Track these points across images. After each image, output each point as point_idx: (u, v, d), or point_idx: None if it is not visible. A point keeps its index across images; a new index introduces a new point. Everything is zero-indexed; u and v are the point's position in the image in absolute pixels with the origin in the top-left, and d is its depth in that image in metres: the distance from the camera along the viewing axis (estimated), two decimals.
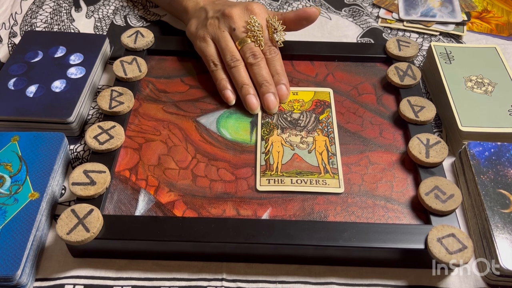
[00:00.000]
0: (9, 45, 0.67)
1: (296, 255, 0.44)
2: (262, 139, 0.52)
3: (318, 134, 0.52)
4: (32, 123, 0.53)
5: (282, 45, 0.57)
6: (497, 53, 0.60)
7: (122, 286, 0.43)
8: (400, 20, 0.72)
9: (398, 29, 0.71)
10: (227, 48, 0.56)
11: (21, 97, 0.54)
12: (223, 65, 0.56)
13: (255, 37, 0.55)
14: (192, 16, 0.61)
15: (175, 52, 0.61)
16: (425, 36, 0.70)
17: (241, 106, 0.55)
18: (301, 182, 0.48)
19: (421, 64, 0.66)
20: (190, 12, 0.62)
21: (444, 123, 0.57)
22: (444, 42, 0.69)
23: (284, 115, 0.54)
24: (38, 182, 0.46)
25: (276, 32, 0.56)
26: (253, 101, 0.54)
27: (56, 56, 0.60)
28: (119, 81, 0.56)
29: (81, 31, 0.69)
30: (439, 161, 0.48)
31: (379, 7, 0.74)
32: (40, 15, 0.72)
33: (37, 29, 0.69)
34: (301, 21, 0.57)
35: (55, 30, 0.69)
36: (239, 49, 0.56)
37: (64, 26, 0.70)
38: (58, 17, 0.72)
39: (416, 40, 0.69)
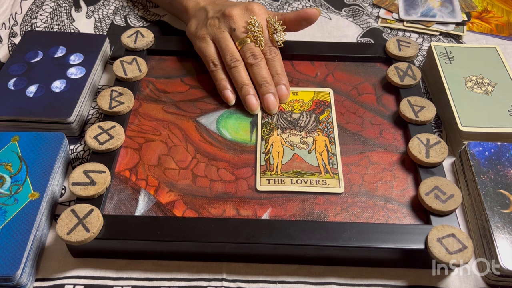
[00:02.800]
0: (9, 45, 0.67)
1: (296, 255, 0.44)
2: (262, 139, 0.52)
3: (318, 134, 0.52)
4: (32, 123, 0.53)
5: (282, 45, 0.57)
6: (497, 53, 0.60)
7: (122, 286, 0.43)
8: (400, 20, 0.72)
9: (398, 29, 0.71)
10: (227, 49, 0.55)
11: (21, 97, 0.54)
12: (223, 65, 0.56)
13: (255, 37, 0.55)
14: (192, 16, 0.61)
15: (175, 52, 0.61)
16: (425, 36, 0.70)
17: (241, 106, 0.55)
18: (301, 182, 0.48)
19: (421, 64, 0.66)
20: (190, 12, 0.62)
21: (444, 123, 0.57)
22: (444, 42, 0.69)
23: (284, 115, 0.54)
24: (38, 182, 0.46)
25: (276, 32, 0.56)
26: (253, 101, 0.54)
27: (56, 56, 0.60)
28: (119, 81, 0.56)
29: (81, 31, 0.69)
30: (439, 161, 0.48)
31: (379, 7, 0.74)
32: (40, 15, 0.72)
33: (37, 29, 0.69)
34: (301, 21, 0.57)
35: (55, 30, 0.69)
36: (239, 49, 0.56)
37: (64, 26, 0.70)
38: (58, 17, 0.72)
39: (416, 40, 0.69)
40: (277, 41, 0.57)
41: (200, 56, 0.59)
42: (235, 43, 0.56)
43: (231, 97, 0.55)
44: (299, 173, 0.48)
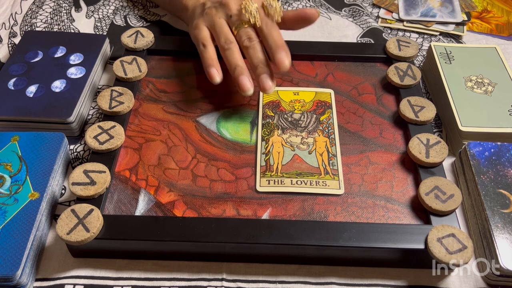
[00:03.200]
0: (9, 45, 0.67)
1: (296, 255, 0.44)
2: (262, 139, 0.52)
3: (319, 135, 0.52)
4: (32, 123, 0.53)
5: (280, 21, 0.55)
6: (497, 53, 0.60)
7: (122, 286, 0.43)
8: (400, 20, 0.72)
9: (398, 29, 0.71)
10: (221, 32, 0.54)
11: (21, 97, 0.54)
12: (213, 47, 0.55)
13: (251, 15, 0.53)
14: (191, 13, 0.61)
15: (175, 52, 0.61)
16: (425, 36, 0.70)
17: (241, 106, 0.55)
18: (301, 183, 0.48)
19: (421, 64, 0.66)
20: (190, 9, 0.62)
21: (444, 123, 0.57)
22: (444, 42, 0.69)
23: (285, 116, 0.54)
24: (38, 182, 0.46)
25: (272, 7, 0.54)
26: (246, 82, 0.51)
27: (56, 56, 0.60)
28: (119, 81, 0.56)
29: (81, 31, 0.69)
30: (439, 161, 0.48)
31: (379, 7, 0.74)
32: (40, 15, 0.72)
33: (37, 29, 0.69)
34: (300, 21, 0.57)
35: (55, 30, 0.69)
36: (235, 34, 0.55)
37: (64, 26, 0.70)
38: (58, 17, 0.72)
39: (416, 40, 0.69)
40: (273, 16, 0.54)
41: (194, 44, 0.58)
42: (231, 29, 0.55)
43: (215, 74, 0.52)
44: (299, 174, 0.48)
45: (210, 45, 0.55)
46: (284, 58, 0.51)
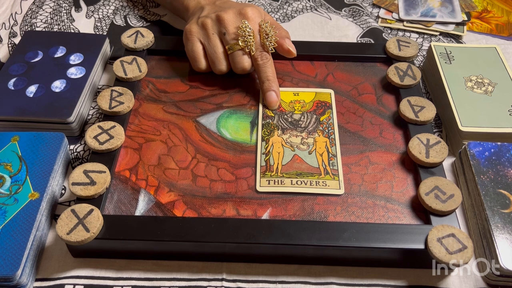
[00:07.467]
0: (9, 45, 0.67)
1: (296, 255, 0.44)
2: (262, 139, 0.52)
3: (319, 135, 0.52)
4: (32, 123, 0.53)
5: (274, 51, 0.56)
6: (497, 53, 0.60)
7: (122, 286, 0.43)
8: (400, 20, 0.72)
9: (398, 29, 0.71)
10: (214, 56, 0.55)
11: (21, 97, 0.54)
12: (205, 63, 0.57)
13: (246, 42, 0.54)
14: (192, 14, 0.61)
15: (175, 52, 0.61)
16: (425, 36, 0.70)
17: (241, 107, 0.55)
18: (301, 183, 0.48)
19: (421, 64, 0.66)
20: (191, 11, 0.62)
21: (444, 123, 0.57)
22: (444, 42, 0.69)
23: (285, 116, 0.54)
24: (38, 182, 0.46)
25: (268, 37, 0.55)
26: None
27: (56, 56, 0.60)
28: (119, 81, 0.56)
29: (81, 31, 0.69)
30: (439, 161, 0.48)
31: (379, 7, 0.74)
32: (40, 15, 0.72)
33: (37, 29, 0.69)
34: (282, 52, 0.57)
35: (55, 30, 0.69)
36: (228, 53, 0.55)
37: (64, 26, 0.70)
38: (58, 17, 0.72)
39: (416, 40, 0.69)
40: (268, 46, 0.55)
41: (184, 47, 0.58)
42: (224, 47, 0.56)
43: (203, 62, 0.56)
44: (299, 174, 0.48)
45: (201, 62, 0.57)
46: (273, 100, 0.55)
